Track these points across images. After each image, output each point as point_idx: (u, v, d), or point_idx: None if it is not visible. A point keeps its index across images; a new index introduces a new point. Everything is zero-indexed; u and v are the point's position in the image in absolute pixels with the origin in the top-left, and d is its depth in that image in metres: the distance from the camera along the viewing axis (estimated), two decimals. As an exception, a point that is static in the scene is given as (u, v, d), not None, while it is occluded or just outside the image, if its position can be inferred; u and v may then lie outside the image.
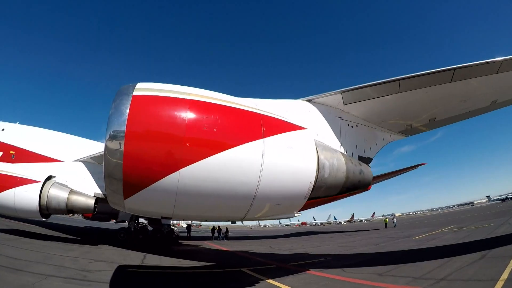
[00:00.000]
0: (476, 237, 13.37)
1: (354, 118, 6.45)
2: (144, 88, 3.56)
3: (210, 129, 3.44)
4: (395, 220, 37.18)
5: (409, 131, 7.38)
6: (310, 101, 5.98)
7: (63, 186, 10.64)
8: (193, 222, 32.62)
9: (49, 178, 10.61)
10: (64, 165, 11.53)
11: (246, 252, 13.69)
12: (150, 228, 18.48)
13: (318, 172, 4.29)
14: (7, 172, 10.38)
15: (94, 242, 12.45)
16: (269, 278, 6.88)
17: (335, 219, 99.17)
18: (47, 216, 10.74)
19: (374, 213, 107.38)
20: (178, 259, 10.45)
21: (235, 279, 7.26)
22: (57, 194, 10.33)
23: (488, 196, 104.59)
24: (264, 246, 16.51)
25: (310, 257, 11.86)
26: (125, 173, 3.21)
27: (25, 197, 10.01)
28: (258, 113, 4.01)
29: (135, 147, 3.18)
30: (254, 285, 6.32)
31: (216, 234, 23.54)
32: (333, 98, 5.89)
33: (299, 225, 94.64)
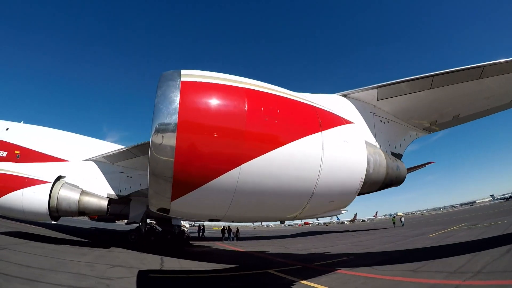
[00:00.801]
0: (492, 233, 12.99)
1: (385, 114, 6.23)
2: (190, 75, 3.11)
3: (271, 121, 3.12)
4: (402, 219, 36.92)
5: (432, 127, 7.20)
6: (345, 96, 5.74)
7: (73, 186, 9.86)
8: (196, 222, 31.79)
9: (58, 178, 9.83)
10: (74, 165, 10.75)
11: (263, 252, 13.02)
12: (159, 228, 17.73)
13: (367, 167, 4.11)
14: (13, 172, 9.58)
15: (105, 245, 11.67)
16: (302, 279, 6.49)
17: (338, 219, 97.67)
18: (56, 219, 9.97)
19: (376, 212, 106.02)
20: (197, 261, 9.74)
21: (267, 282, 6.79)
22: (68, 195, 9.55)
23: (492, 195, 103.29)
24: (278, 246, 15.81)
25: (331, 256, 11.29)
26: (177, 171, 2.73)
27: (34, 198, 9.22)
28: (313, 105, 3.78)
29: (189, 140, 2.73)
30: None
31: (226, 235, 22.75)
32: (368, 93, 5.72)
33: (302, 225, 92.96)
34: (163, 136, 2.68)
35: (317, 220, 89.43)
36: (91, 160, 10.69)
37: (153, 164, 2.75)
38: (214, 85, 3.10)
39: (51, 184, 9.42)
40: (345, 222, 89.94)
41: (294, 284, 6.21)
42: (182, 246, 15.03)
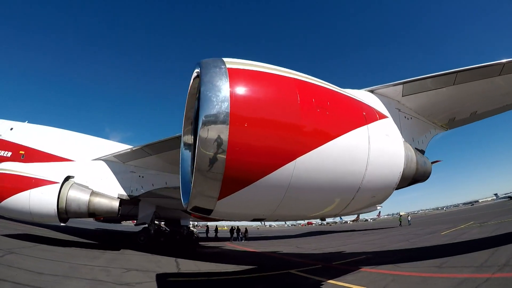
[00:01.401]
0: (507, 229, 12.83)
1: (408, 110, 6.08)
2: (234, 62, 2.82)
3: (323, 113, 2.98)
4: (409, 218, 36.57)
5: (450, 124, 7.14)
6: (372, 91, 5.58)
7: (83, 187, 9.29)
8: (198, 222, 31.03)
9: (67, 178, 9.25)
10: (83, 165, 10.19)
11: (276, 252, 12.55)
12: (167, 229, 17.14)
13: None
14: (20, 172, 9.00)
15: (115, 247, 11.13)
16: (329, 279, 6.29)
17: (341, 218, 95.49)
18: (65, 220, 9.40)
19: (379, 212, 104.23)
20: (214, 263, 9.19)
21: (293, 282, 6.48)
22: (77, 196, 8.99)
23: (495, 194, 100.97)
24: (289, 246, 15.30)
25: (347, 255, 10.89)
26: (229, 167, 2.46)
27: (42, 199, 8.66)
28: (356, 99, 3.71)
29: (243, 132, 2.46)
30: None
31: (235, 235, 22.13)
32: (394, 89, 5.62)
33: (305, 225, 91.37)
34: (213, 129, 2.37)
35: (320, 220, 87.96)
36: (100, 159, 10.12)
37: (201, 160, 2.41)
38: (262, 74, 2.86)
39: (59, 185, 8.86)
40: (349, 222, 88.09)
41: (323, 284, 5.97)
42: (193, 247, 14.47)
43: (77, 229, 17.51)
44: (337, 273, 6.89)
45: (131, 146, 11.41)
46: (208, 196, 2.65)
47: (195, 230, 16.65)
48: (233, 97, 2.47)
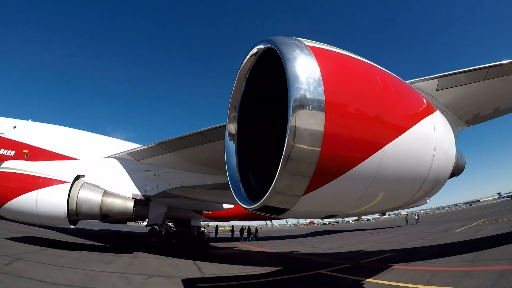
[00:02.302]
0: None
1: (440, 105, 5.81)
2: (309, 41, 2.51)
3: (401, 101, 2.89)
4: (416, 217, 35.72)
5: (473, 120, 6.99)
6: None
7: (95, 187, 8.45)
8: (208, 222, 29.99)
9: (77, 178, 8.41)
10: (94, 163, 9.34)
11: (293, 252, 11.84)
12: (174, 229, 16.29)
13: None
14: (26, 171, 8.14)
15: (127, 250, 10.30)
16: (366, 278, 6.05)
17: (343, 218, 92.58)
18: (75, 223, 8.55)
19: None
20: (236, 265, 8.46)
21: (331, 283, 6.21)
22: (89, 196, 8.15)
23: (499, 193, 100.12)
24: (304, 246, 14.54)
25: (370, 254, 10.29)
26: (323, 159, 2.17)
27: (50, 201, 7.82)
28: (416, 90, 3.66)
29: (338, 121, 2.21)
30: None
31: (245, 235, 21.22)
32: (430, 83, 5.41)
33: (307, 225, 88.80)
34: (304, 117, 2.07)
35: (322, 219, 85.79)
36: (112, 157, 9.28)
37: (293, 153, 2.08)
38: (345, 56, 2.64)
39: (69, 184, 8.02)
40: (351, 222, 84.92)
41: (363, 283, 5.72)
42: (205, 248, 13.65)
43: (82, 231, 16.53)
44: (371, 272, 6.56)
45: (139, 145, 10.63)
46: (290, 195, 2.32)
47: (205, 230, 15.84)
48: (325, 79, 2.16)
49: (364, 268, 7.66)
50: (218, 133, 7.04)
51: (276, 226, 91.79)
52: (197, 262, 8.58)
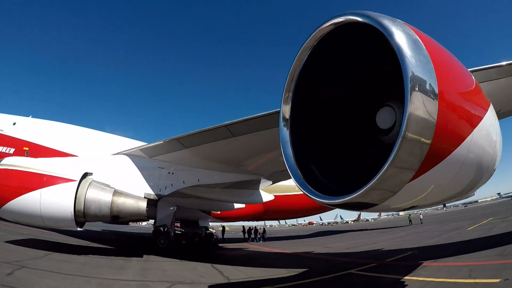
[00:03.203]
0: None
1: None
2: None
3: (477, 84, 2.73)
4: (421, 216, 34.92)
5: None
6: None
7: (104, 185, 7.61)
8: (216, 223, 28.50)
9: (84, 176, 7.55)
10: (103, 160, 8.48)
11: (310, 253, 11.15)
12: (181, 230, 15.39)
13: None
14: (28, 168, 7.24)
15: (136, 253, 9.44)
16: (403, 276, 5.79)
17: (342, 218, 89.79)
18: (81, 225, 7.71)
19: (380, 212, 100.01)
20: (258, 268, 7.73)
21: (369, 282, 5.84)
22: (98, 196, 7.30)
23: (499, 193, 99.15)
24: (316, 246, 13.79)
25: (392, 252, 9.75)
26: (436, 139, 2.00)
27: (56, 201, 6.96)
28: None
29: (448, 99, 2.10)
30: (406, 285, 5.24)
31: (252, 235, 20.38)
32: None
33: (306, 225, 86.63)
34: (423, 98, 1.93)
35: (321, 220, 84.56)
36: (122, 153, 8.42)
37: (407, 136, 1.91)
38: (431, 40, 2.41)
39: (76, 183, 7.17)
40: (350, 222, 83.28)
41: (404, 281, 5.43)
42: (213, 250, 12.82)
43: (83, 232, 15.45)
44: (403, 270, 6.32)
45: (144, 143, 9.82)
46: (395, 185, 2.11)
47: (213, 231, 15.01)
48: (434, 62, 2.06)
49: (394, 266, 7.37)
50: (243, 127, 6.36)
51: (275, 226, 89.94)
52: (215, 265, 7.81)
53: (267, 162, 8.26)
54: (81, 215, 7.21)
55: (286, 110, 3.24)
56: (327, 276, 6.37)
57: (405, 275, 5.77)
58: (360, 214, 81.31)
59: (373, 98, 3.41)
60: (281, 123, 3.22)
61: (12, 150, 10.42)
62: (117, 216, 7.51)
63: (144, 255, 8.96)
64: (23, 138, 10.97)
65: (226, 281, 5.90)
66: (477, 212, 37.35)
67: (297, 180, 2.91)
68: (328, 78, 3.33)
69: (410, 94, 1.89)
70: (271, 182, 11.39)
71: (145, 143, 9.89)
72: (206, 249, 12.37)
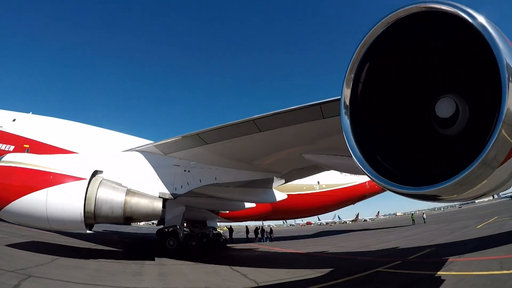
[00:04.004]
0: None
1: None
2: None
3: None
4: (424, 216, 34.14)
5: None
6: None
7: (116, 184, 6.89)
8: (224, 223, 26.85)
9: (94, 174, 6.82)
10: (113, 157, 7.75)
11: (324, 252, 10.63)
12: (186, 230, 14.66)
13: None
14: (32, 165, 6.48)
15: (146, 255, 8.75)
16: (436, 271, 5.62)
17: (340, 218, 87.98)
18: (91, 227, 6.96)
19: (378, 212, 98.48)
20: (281, 269, 7.17)
21: (406, 279, 5.60)
22: (110, 196, 6.59)
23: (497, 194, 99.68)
24: (327, 246, 13.20)
25: (410, 250, 9.35)
26: None
27: (63, 201, 6.22)
28: None
29: None
30: (443, 280, 5.06)
31: (259, 235, 19.63)
32: None
33: (304, 225, 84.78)
34: None
35: (319, 220, 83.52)
36: (135, 150, 7.71)
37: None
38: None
39: (87, 181, 6.44)
40: (347, 222, 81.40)
41: (439, 276, 5.26)
42: (223, 250, 12.15)
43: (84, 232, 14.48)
44: (433, 266, 6.15)
45: (151, 141, 9.13)
46: (470, 184, 1.93)
47: (221, 231, 14.30)
48: None
49: (420, 263, 7.02)
50: (271, 121, 5.83)
51: (273, 226, 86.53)
52: (233, 267, 7.19)
53: (287, 160, 7.74)
54: (91, 217, 6.48)
55: (347, 94, 2.83)
56: (356, 275, 5.96)
57: (437, 271, 5.57)
58: (358, 214, 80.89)
59: (429, 87, 3.14)
60: (342, 110, 2.80)
61: (11, 148, 9.55)
62: (130, 218, 6.80)
63: (155, 258, 8.27)
64: (23, 135, 10.11)
65: (254, 284, 5.31)
66: (477, 212, 36.09)
67: (367, 170, 2.57)
68: (390, 62, 2.98)
69: (508, 87, 1.75)
70: (283, 181, 10.84)
71: (151, 141, 9.20)
72: (216, 250, 11.70)
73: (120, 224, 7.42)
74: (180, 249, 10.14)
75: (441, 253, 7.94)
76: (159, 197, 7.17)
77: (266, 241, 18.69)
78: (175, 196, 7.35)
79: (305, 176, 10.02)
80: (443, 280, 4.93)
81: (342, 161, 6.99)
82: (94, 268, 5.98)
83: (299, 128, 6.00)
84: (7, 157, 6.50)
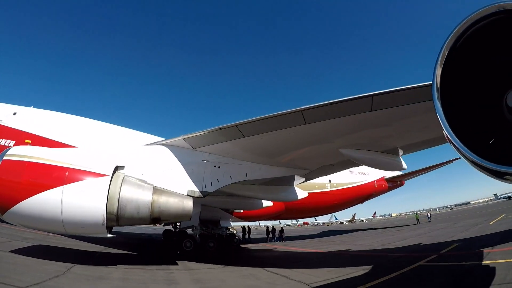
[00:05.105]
0: None
1: None
2: None
3: None
4: (429, 215, 34.03)
5: None
6: None
7: (140, 181, 5.93)
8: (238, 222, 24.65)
9: (115, 170, 5.82)
10: (135, 151, 6.76)
11: (346, 251, 10.05)
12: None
13: None
14: (44, 159, 5.42)
15: (167, 260, 7.75)
16: (481, 261, 5.61)
17: (336, 219, 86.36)
18: (111, 230, 5.95)
19: (375, 212, 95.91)
20: (321, 269, 6.58)
21: (456, 271, 5.50)
22: (135, 194, 5.64)
23: (495, 194, 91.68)
24: (345, 245, 12.59)
25: (436, 246, 9.04)
26: None
27: (82, 201, 5.22)
28: None
29: None
30: (493, 267, 4.98)
31: (270, 235, 18.66)
32: None
33: (301, 225, 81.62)
34: None
35: (316, 220, 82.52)
36: (159, 144, 6.74)
37: None
38: None
39: (109, 178, 5.45)
40: (344, 222, 79.24)
41: (487, 264, 5.28)
42: (239, 251, 11.25)
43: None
44: (471, 257, 6.17)
45: (161, 138, 8.19)
46: None
47: (235, 231, 13.40)
48: None
49: (456, 256, 7.08)
50: (318, 113, 5.17)
51: (271, 226, 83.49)
52: (267, 269, 6.41)
53: (321, 155, 7.08)
54: (114, 219, 5.50)
55: (438, 73, 2.28)
56: (401, 270, 5.66)
57: (481, 261, 5.61)
58: (354, 214, 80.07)
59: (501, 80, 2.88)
60: (435, 94, 2.35)
61: (12, 143, 8.30)
62: (157, 218, 5.86)
63: (178, 262, 7.32)
64: (25, 130, 8.86)
65: (306, 286, 4.56)
66: (477, 212, 35.00)
67: (464, 150, 2.22)
68: (479, 49, 2.60)
69: None
70: (303, 180, 10.12)
71: (160, 138, 8.24)
72: (233, 252, 10.80)
73: (142, 224, 6.42)
74: (197, 251, 9.20)
75: (471, 247, 7.81)
76: (188, 195, 6.25)
77: (277, 241, 17.84)
78: (204, 194, 6.46)
79: (332, 173, 9.38)
80: (493, 267, 4.90)
81: (376, 157, 6.68)
82: (119, 278, 5.01)
83: (345, 120, 5.41)
84: (13, 150, 5.41)
